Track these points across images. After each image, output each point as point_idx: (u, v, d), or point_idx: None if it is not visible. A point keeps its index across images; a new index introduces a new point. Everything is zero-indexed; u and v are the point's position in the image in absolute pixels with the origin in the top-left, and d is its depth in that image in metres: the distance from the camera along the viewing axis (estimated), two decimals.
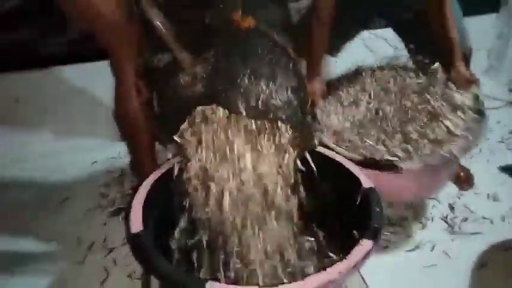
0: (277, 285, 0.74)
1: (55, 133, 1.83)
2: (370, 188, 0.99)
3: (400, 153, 1.13)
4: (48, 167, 1.68)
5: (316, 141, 1.09)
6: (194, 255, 1.00)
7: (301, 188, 1.02)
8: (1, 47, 1.70)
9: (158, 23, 1.05)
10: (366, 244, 0.81)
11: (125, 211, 1.25)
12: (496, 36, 2.21)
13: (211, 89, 0.97)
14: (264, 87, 0.93)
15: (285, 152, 0.97)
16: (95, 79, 1.68)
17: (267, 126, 0.95)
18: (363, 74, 1.43)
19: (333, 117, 1.29)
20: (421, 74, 1.35)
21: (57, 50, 1.81)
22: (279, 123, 0.94)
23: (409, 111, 1.24)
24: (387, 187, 1.05)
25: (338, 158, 1.12)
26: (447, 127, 1.16)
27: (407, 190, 1.22)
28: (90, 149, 1.78)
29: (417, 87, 1.31)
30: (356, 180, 1.02)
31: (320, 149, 1.13)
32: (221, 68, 0.98)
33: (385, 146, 1.16)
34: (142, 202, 0.97)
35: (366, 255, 0.79)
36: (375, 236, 0.84)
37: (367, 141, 1.18)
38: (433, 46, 1.33)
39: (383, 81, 1.38)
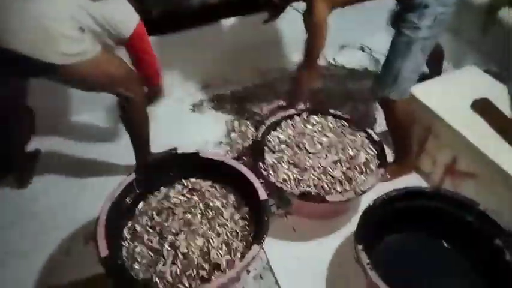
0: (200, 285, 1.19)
1: None
2: (264, 200, 1.39)
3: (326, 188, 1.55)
4: None
5: None
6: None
7: None
8: None
9: None
10: (255, 248, 1.25)
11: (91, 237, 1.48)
12: None
13: None
14: None
15: None
16: None
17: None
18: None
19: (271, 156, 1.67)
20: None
21: None
22: None
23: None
24: (315, 211, 1.62)
25: (248, 174, 1.48)
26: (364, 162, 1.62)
27: (327, 213, 1.70)
28: None
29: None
30: (256, 193, 1.41)
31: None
32: None
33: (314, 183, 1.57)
34: (104, 226, 1.31)
35: (255, 257, 1.24)
36: (260, 241, 1.26)
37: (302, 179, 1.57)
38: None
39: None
